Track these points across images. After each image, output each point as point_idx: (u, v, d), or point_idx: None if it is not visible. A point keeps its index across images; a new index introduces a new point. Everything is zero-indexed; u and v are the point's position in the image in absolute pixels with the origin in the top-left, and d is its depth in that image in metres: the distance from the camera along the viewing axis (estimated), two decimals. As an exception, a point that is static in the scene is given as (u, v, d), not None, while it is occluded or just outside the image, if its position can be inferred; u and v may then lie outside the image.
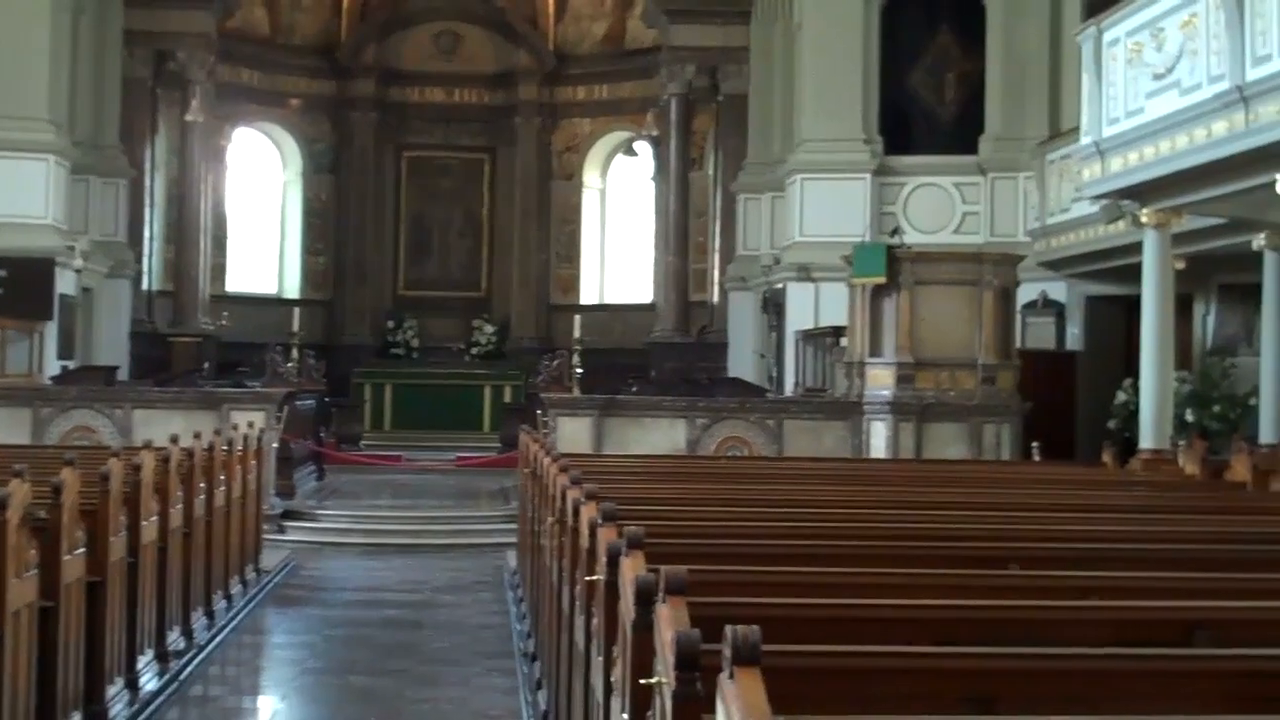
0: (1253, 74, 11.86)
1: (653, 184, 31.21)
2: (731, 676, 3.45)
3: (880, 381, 16.76)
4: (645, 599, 4.48)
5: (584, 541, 6.48)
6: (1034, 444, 15.82)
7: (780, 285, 23.67)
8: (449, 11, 32.84)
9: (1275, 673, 4.49)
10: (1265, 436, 14.46)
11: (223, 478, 12.38)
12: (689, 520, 7.84)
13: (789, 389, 22.62)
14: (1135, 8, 14.18)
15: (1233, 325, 18.81)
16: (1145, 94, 13.83)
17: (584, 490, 7.10)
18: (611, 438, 16.79)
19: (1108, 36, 14.63)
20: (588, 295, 32.83)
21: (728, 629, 3.45)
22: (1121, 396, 18.34)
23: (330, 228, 32.35)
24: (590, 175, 33.15)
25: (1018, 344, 18.14)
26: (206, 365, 24.98)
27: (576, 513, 7.00)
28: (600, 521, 6.04)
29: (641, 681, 4.42)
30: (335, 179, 32.43)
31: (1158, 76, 13.56)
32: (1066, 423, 19.59)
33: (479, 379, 30.29)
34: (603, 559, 5.58)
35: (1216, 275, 18.60)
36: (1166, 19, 13.51)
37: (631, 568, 4.90)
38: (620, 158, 32.83)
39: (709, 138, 29.88)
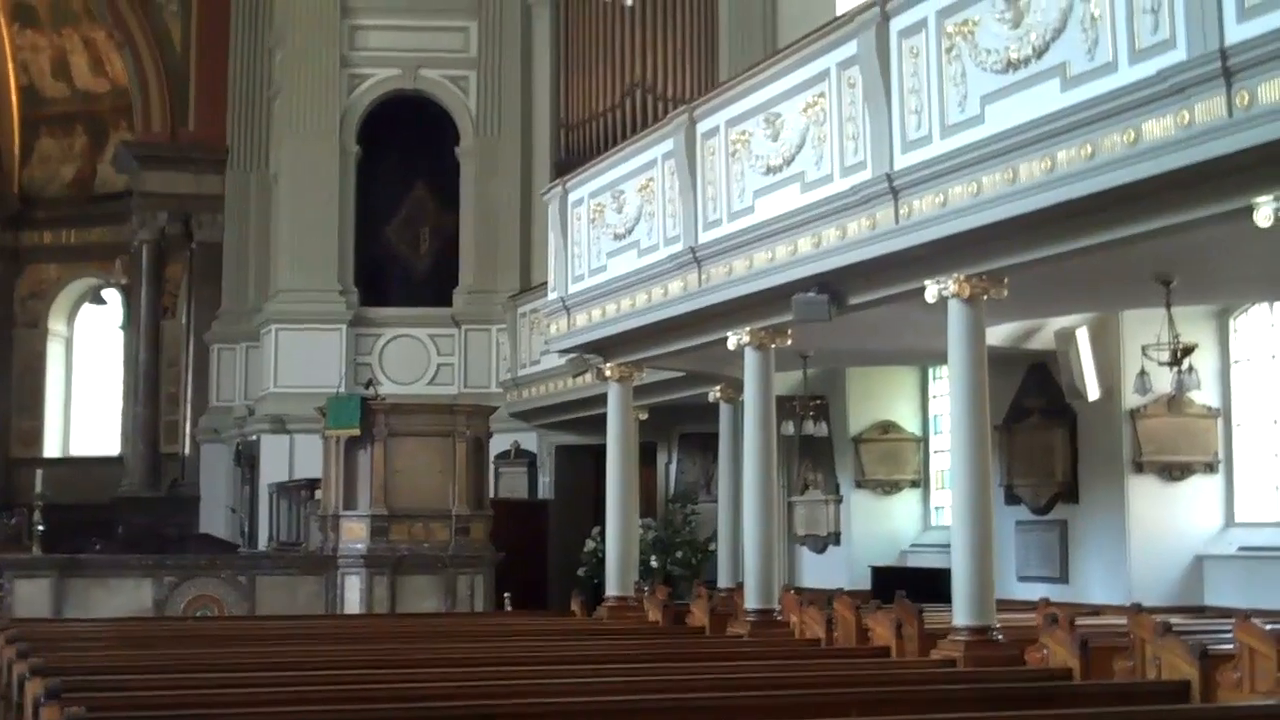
0: (704, 237, 12.51)
1: (122, 333, 30.28)
2: None
3: (355, 534, 16.69)
4: (82, 786, 4.27)
5: (28, 720, 6.15)
6: (505, 594, 16.05)
7: (254, 437, 23.28)
8: (-99, 148, 31.23)
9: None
10: (723, 581, 15.06)
11: None
12: (144, 690, 7.53)
13: (263, 544, 22.18)
14: (597, 170, 14.80)
15: (693, 473, 19.66)
16: (607, 252, 14.39)
17: (29, 664, 6.75)
18: (73, 600, 16.06)
19: (573, 197, 15.18)
20: (51, 448, 31.49)
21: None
22: (590, 544, 18.82)
23: None
24: (56, 323, 31.93)
25: (491, 494, 18.43)
26: None
27: (22, 688, 6.64)
28: (44, 699, 5.75)
29: None
30: None
31: (618, 236, 14.15)
32: (539, 570, 19.95)
33: (-72, 539, 28.37)
34: (44, 740, 5.30)
35: (678, 425, 19.41)
36: (626, 182, 14.13)
37: (70, 751, 4.67)
38: (88, 305, 31.77)
39: (182, 286, 29.24)
